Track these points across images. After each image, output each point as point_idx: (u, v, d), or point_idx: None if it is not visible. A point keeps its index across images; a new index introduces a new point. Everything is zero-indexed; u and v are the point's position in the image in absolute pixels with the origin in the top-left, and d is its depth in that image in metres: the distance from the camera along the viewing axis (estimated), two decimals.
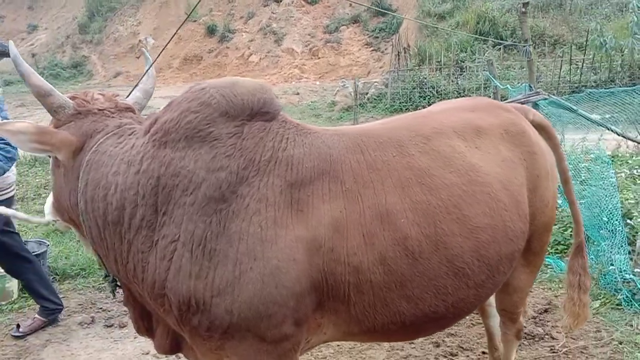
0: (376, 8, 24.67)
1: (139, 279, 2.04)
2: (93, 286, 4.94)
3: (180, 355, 3.67)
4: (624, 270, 4.14)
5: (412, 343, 3.72)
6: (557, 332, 3.79)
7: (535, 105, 5.73)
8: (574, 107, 6.42)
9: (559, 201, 4.83)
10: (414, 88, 16.38)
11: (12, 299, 4.65)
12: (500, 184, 2.26)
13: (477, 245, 2.14)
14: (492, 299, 2.96)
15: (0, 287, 4.58)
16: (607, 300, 4.05)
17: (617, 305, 4.02)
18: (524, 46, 7.46)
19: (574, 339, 3.68)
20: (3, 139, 3.74)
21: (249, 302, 1.89)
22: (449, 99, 15.14)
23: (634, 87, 7.02)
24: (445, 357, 3.57)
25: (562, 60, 15.30)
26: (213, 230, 1.91)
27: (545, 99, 6.01)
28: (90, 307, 4.54)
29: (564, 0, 20.51)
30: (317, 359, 3.60)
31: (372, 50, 26.58)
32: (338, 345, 3.70)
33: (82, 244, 5.57)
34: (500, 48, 17.77)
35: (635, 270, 4.10)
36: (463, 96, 15.36)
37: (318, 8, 30.75)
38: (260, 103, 2.06)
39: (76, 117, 2.14)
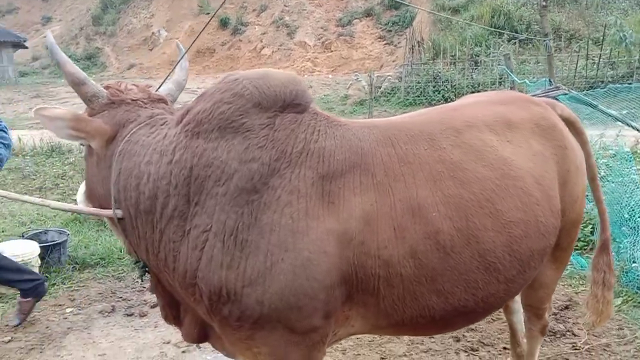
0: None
1: (170, 268, 2.05)
2: (113, 275, 4.97)
3: (201, 345, 3.71)
4: None
5: (432, 337, 3.72)
6: (578, 328, 3.76)
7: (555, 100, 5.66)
8: (595, 103, 6.36)
9: None
10: (428, 82, 16.31)
11: None
12: (532, 179, 2.24)
13: (509, 240, 2.13)
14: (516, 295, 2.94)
15: None
16: (630, 298, 4.02)
17: (639, 303, 3.98)
18: (544, 40, 7.38)
19: (596, 336, 3.65)
20: None
21: (280, 293, 1.89)
22: (463, 93, 15.20)
23: None
24: (466, 351, 3.56)
25: (578, 55, 15.14)
26: (245, 221, 1.91)
27: (566, 94, 5.94)
28: (111, 296, 4.57)
29: None
30: (336, 351, 3.60)
31: (385, 43, 26.46)
32: (357, 338, 3.70)
33: (100, 234, 5.64)
34: (515, 42, 17.63)
35: None
36: (478, 91, 15.27)
37: (331, 1, 30.66)
38: (293, 95, 2.05)
39: (109, 107, 2.15)
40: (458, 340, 3.68)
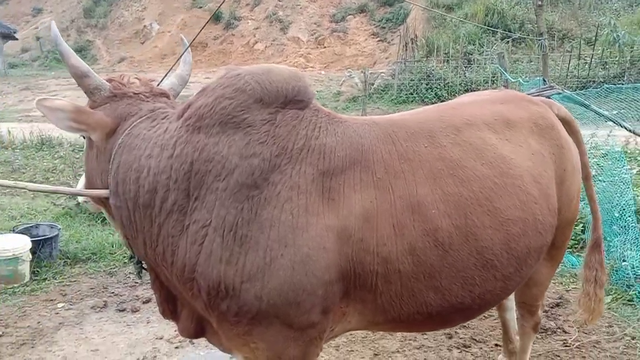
0: None
1: (168, 262, 2.04)
2: (104, 270, 4.95)
3: (194, 341, 3.71)
4: (637, 267, 4.15)
5: (425, 334, 3.74)
6: (569, 326, 3.81)
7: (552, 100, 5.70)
8: (587, 103, 6.41)
9: None
10: (421, 80, 16.33)
11: (24, 282, 4.66)
12: (531, 177, 2.26)
13: (507, 237, 2.14)
14: None
15: (13, 270, 4.58)
16: (619, 296, 4.07)
17: (629, 301, 4.03)
18: (539, 40, 7.42)
19: (586, 333, 3.69)
20: None
21: (278, 289, 1.90)
22: (456, 91, 15.24)
23: None
24: (458, 348, 3.58)
25: (570, 55, 15.24)
26: (244, 216, 1.91)
27: (559, 93, 5.97)
28: (103, 292, 4.55)
29: None
30: (330, 347, 3.61)
31: (379, 40, 26.48)
32: (351, 335, 3.71)
33: (92, 228, 5.61)
34: (508, 41, 17.69)
35: None
36: (471, 89, 15.33)
37: None
38: (295, 91, 2.05)
39: (111, 100, 2.14)
40: (450, 337, 3.70)
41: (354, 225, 1.97)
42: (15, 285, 4.60)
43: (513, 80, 8.69)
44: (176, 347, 3.66)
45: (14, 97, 20.45)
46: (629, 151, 8.14)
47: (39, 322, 4.02)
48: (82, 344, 3.73)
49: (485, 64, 16.65)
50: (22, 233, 4.94)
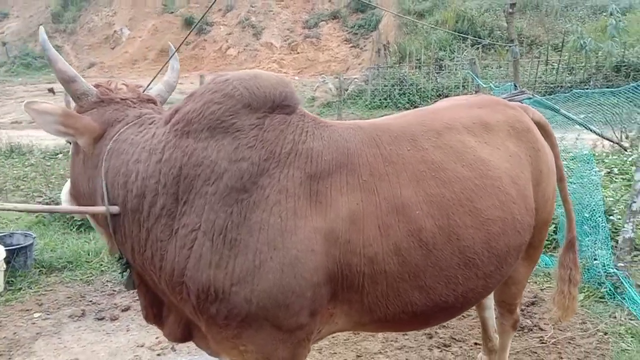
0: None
1: (156, 267, 2.05)
2: (81, 279, 4.87)
3: (176, 348, 3.69)
4: (607, 265, 4.29)
5: (406, 335, 3.80)
6: (544, 323, 3.92)
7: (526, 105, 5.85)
8: (557, 107, 6.61)
9: None
10: (394, 85, 16.51)
11: None
12: (509, 178, 2.34)
13: (487, 237, 2.21)
14: None
15: None
16: (591, 294, 4.20)
17: (600, 298, 4.16)
18: (510, 46, 7.61)
19: (561, 330, 3.80)
20: None
21: (268, 291, 1.92)
22: (428, 97, 15.46)
23: (617, 89, 7.22)
24: (439, 347, 3.65)
25: (539, 61, 15.63)
26: (234, 220, 1.93)
27: (530, 98, 6.13)
28: (80, 300, 4.49)
29: (540, 1, 20.91)
30: (313, 350, 3.63)
31: (351, 46, 26.64)
32: (333, 337, 3.75)
33: (67, 237, 5.53)
34: (478, 47, 18.06)
35: (618, 264, 4.25)
36: (443, 94, 15.59)
37: (297, 2, 30.69)
38: (282, 96, 2.09)
39: (99, 105, 2.15)
40: (431, 337, 3.77)
41: (341, 227, 2.01)
42: None
43: (484, 86, 8.89)
44: (158, 355, 3.64)
45: None
46: (596, 154, 8.39)
47: (15, 333, 3.95)
48: (61, 353, 3.68)
49: (456, 69, 16.94)
50: None
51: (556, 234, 5.14)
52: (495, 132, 2.47)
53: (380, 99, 16.51)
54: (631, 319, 3.82)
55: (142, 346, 3.75)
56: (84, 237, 5.69)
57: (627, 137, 8.60)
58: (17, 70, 29.00)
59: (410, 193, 2.12)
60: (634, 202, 4.27)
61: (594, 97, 8.46)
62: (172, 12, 31.96)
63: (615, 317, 3.87)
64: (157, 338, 3.83)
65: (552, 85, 14.80)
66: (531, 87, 14.64)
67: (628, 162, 7.31)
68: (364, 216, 2.04)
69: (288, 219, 1.95)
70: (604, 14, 18.87)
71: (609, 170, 7.07)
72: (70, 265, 5.06)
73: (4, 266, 4.60)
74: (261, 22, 30.02)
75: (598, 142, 8.55)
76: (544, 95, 10.13)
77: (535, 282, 4.60)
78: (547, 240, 5.14)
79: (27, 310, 4.30)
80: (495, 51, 18.26)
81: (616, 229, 4.92)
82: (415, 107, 15.54)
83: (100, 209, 2.06)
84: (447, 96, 15.81)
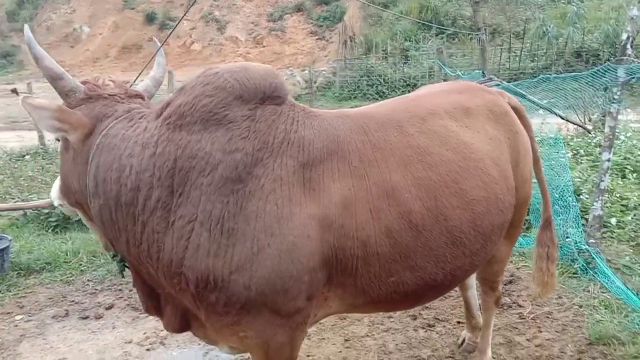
0: None
1: (153, 259, 2.07)
2: (61, 280, 4.81)
3: (166, 342, 3.71)
4: (579, 242, 4.47)
5: (391, 317, 3.90)
6: (522, 300, 4.07)
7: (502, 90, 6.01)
8: (524, 93, 6.80)
9: None
10: (362, 77, 16.66)
11: None
12: (490, 160, 2.44)
13: (473, 216, 2.31)
14: None
15: None
16: (565, 270, 4.37)
17: (573, 274, 4.34)
18: (477, 34, 7.78)
19: (538, 305, 3.96)
20: None
21: (266, 277, 1.97)
22: (396, 87, 15.61)
23: (580, 74, 7.45)
24: (423, 328, 3.76)
25: (502, 49, 15.97)
26: (230, 209, 1.97)
27: (498, 85, 6.33)
28: (62, 301, 4.43)
29: None
30: None
31: (317, 39, 26.69)
32: (320, 323, 3.81)
33: (43, 238, 5.44)
34: (442, 37, 18.33)
35: (589, 241, 4.43)
36: (410, 84, 15.80)
37: None
38: (272, 87, 2.13)
39: (87, 101, 2.14)
40: (415, 318, 3.88)
41: (334, 212, 2.07)
42: None
43: (452, 74, 9.07)
44: (147, 350, 3.64)
45: None
46: (562, 137, 8.66)
47: None
48: (47, 354, 3.64)
49: (421, 59, 17.18)
50: None
51: (528, 215, 5.31)
52: (475, 116, 2.57)
53: (348, 91, 16.64)
54: (603, 292, 4.00)
55: (130, 342, 3.74)
56: (60, 237, 5.60)
57: (590, 120, 8.90)
58: None
59: (398, 177, 2.19)
60: (602, 181, 4.46)
61: (556, 82, 8.71)
62: (133, 8, 31.39)
63: (588, 291, 4.05)
64: (144, 334, 3.84)
65: (515, 72, 15.17)
66: (495, 74, 14.94)
67: (592, 144, 7.59)
68: (356, 201, 2.11)
69: (284, 207, 2.00)
70: (562, 1, 19.43)
71: (574, 152, 7.31)
72: (49, 267, 4.98)
73: None
74: (225, 16, 29.76)
75: (563, 125, 8.81)
76: (509, 82, 10.38)
77: (512, 262, 4.76)
78: None
79: (8, 313, 4.22)
80: (459, 40, 18.58)
81: (585, 207, 5.12)
82: (383, 97, 15.78)
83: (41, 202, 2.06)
84: (414, 85, 16.05)
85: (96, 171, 2.07)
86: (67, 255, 5.16)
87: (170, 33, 4.40)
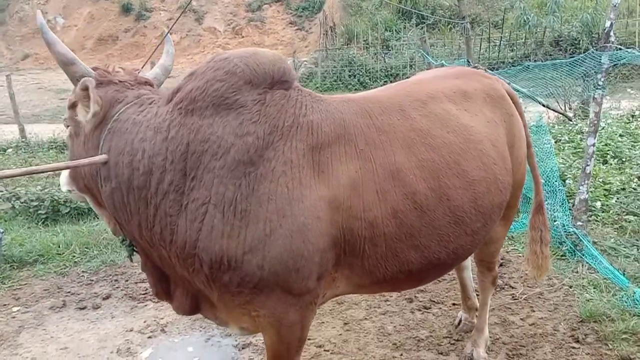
0: None
1: (166, 241, 2.11)
2: (55, 271, 4.78)
3: (167, 329, 3.73)
4: (566, 225, 4.61)
5: (388, 300, 3.99)
6: (514, 282, 4.19)
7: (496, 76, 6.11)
8: (507, 81, 6.91)
9: None
10: (344, 67, 16.68)
11: None
12: (489, 142, 2.52)
13: (474, 196, 2.39)
14: None
15: None
16: (554, 252, 4.50)
17: (562, 256, 4.48)
18: (462, 23, 7.88)
19: (530, 287, 4.08)
20: None
21: (279, 257, 2.03)
22: (378, 77, 15.65)
23: (560, 61, 7.60)
24: (420, 310, 3.86)
25: (481, 38, 16.14)
26: (243, 192, 2.02)
27: None
28: (58, 292, 4.42)
29: None
30: None
31: (297, 29, 26.57)
32: (319, 308, 3.87)
33: (33, 230, 5.41)
34: (422, 27, 18.43)
35: (577, 224, 4.57)
36: (392, 74, 15.90)
37: None
38: (281, 72, 2.17)
39: (98, 87, 2.16)
40: (411, 301, 3.97)
41: (343, 194, 2.13)
42: None
43: (436, 64, 9.16)
44: (149, 337, 3.67)
45: None
46: (543, 125, 8.83)
47: None
48: (49, 344, 3.64)
49: (402, 49, 17.26)
50: None
51: None
52: (474, 99, 2.65)
53: (330, 81, 16.65)
54: (591, 272, 4.14)
55: (131, 330, 3.76)
56: (51, 230, 5.57)
57: (570, 108, 9.09)
58: None
59: (403, 159, 2.26)
60: (587, 165, 4.60)
61: (535, 71, 8.87)
62: None
63: (577, 272, 4.19)
64: (144, 322, 3.86)
65: (494, 62, 15.35)
66: (478, 63, 15.12)
67: (574, 131, 7.77)
68: (363, 183, 2.17)
69: (294, 189, 2.05)
70: None
71: (556, 139, 7.48)
72: (42, 259, 4.96)
73: None
74: (203, 6, 29.40)
75: (544, 113, 8.98)
76: (493, 71, 10.51)
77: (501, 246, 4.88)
78: None
79: (5, 305, 4.20)
80: (439, 30, 18.70)
81: (570, 192, 5.28)
82: (366, 87, 15.86)
83: (94, 159, 2.07)
84: (396, 75, 16.15)
85: (107, 155, 2.10)
86: (59, 247, 5.14)
87: (178, 18, 4.42)
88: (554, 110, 8.19)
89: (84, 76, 2.15)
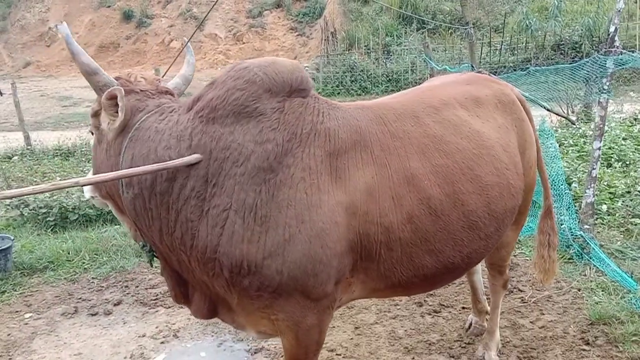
0: None
1: (187, 246, 2.15)
2: (65, 278, 4.81)
3: (179, 334, 3.76)
4: (573, 228, 4.64)
5: (398, 305, 4.02)
6: (522, 285, 4.22)
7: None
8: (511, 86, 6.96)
9: None
10: (345, 72, 16.75)
11: None
12: (501, 147, 2.56)
13: (487, 200, 2.43)
14: None
15: None
16: (561, 256, 4.53)
17: (569, 259, 4.51)
18: (465, 29, 7.93)
19: (538, 290, 4.11)
20: None
21: (298, 262, 2.07)
22: (379, 82, 15.69)
23: (562, 66, 7.65)
24: (430, 314, 3.88)
25: (482, 43, 16.21)
26: (263, 198, 2.06)
27: None
28: (69, 298, 4.45)
29: None
30: None
31: (298, 35, 26.68)
32: None
33: (42, 238, 5.44)
34: (423, 32, 18.51)
35: (584, 227, 4.60)
36: (393, 79, 15.96)
37: None
38: (299, 80, 2.22)
39: None
40: (421, 305, 4.00)
41: (359, 200, 2.17)
42: None
43: (439, 68, 9.22)
44: (161, 343, 3.69)
45: None
46: (546, 129, 8.88)
47: (10, 334, 3.90)
48: (62, 349, 3.67)
49: (403, 54, 17.34)
50: None
51: None
52: (485, 105, 2.69)
53: (332, 86, 16.72)
54: (599, 275, 4.17)
55: (143, 336, 3.79)
56: (60, 236, 5.60)
57: (573, 112, 9.14)
58: None
59: (417, 165, 2.30)
60: (593, 169, 4.63)
61: (536, 75, 8.92)
62: (109, 6, 30.94)
63: (585, 275, 4.22)
64: (156, 327, 3.89)
65: (495, 66, 15.41)
66: (481, 68, 15.18)
67: (577, 135, 7.81)
68: (379, 188, 2.21)
69: (313, 194, 2.09)
70: None
71: (560, 143, 7.52)
72: (52, 265, 4.99)
73: None
74: (203, 12, 29.50)
75: (547, 117, 9.03)
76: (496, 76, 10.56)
77: None
78: None
79: (17, 311, 4.24)
80: (440, 35, 18.79)
81: (576, 195, 5.31)
82: (367, 93, 15.92)
83: (186, 159, 2.07)
84: (398, 81, 16.22)
85: (131, 162, 2.14)
86: (68, 254, 5.17)
87: (195, 30, 4.44)
88: (556, 114, 8.23)
89: (108, 85, 2.19)
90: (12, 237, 5.01)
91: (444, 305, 4.00)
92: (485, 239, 2.50)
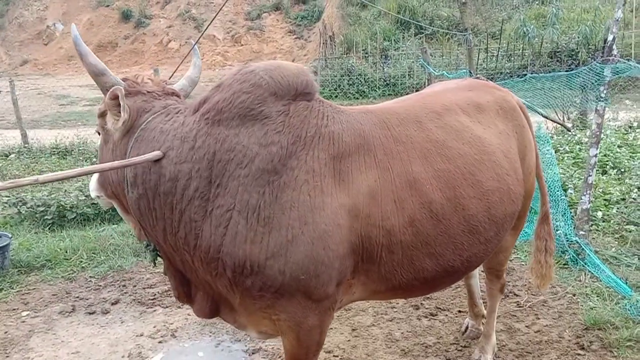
0: None
1: (190, 245, 2.18)
2: (62, 276, 4.82)
3: (177, 334, 3.78)
4: (569, 234, 4.69)
5: (395, 307, 4.05)
6: (518, 290, 4.26)
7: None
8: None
9: None
10: (343, 76, 16.80)
11: None
12: (501, 153, 2.60)
13: (488, 205, 2.47)
14: None
15: None
16: (556, 262, 4.57)
17: (564, 264, 4.56)
18: (464, 35, 7.99)
19: (534, 295, 4.15)
20: None
21: (300, 263, 2.09)
22: (377, 86, 15.74)
23: (558, 74, 7.71)
24: (426, 317, 3.92)
25: (479, 49, 16.30)
26: (266, 199, 2.09)
27: None
28: (67, 297, 4.46)
29: None
30: None
31: (296, 37, 26.74)
32: None
33: (40, 236, 5.44)
34: (420, 37, 18.60)
35: (579, 233, 4.65)
36: (390, 84, 16.02)
37: None
38: (304, 84, 2.25)
39: (126, 97, 2.22)
40: (417, 308, 4.03)
41: (362, 202, 2.20)
42: None
43: (437, 74, 9.27)
44: (159, 342, 3.71)
45: None
46: (542, 136, 8.94)
47: (7, 332, 3.90)
48: (60, 348, 3.68)
49: (401, 59, 17.41)
50: None
51: None
52: (486, 112, 2.73)
53: (330, 90, 16.74)
54: (594, 281, 4.22)
55: (141, 335, 3.80)
56: (57, 235, 5.60)
57: (569, 119, 9.21)
58: None
59: (420, 169, 2.33)
60: (590, 175, 4.68)
61: (532, 82, 8.99)
62: (107, 6, 30.91)
63: (580, 280, 4.26)
64: (154, 327, 3.90)
65: (492, 72, 15.50)
66: (479, 74, 15.27)
67: (573, 142, 7.87)
68: (381, 192, 2.24)
69: (316, 197, 2.12)
70: (536, 2, 19.94)
71: (556, 149, 7.57)
72: (49, 264, 4.99)
73: None
74: (202, 14, 29.54)
75: (543, 124, 9.09)
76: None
77: None
78: None
79: (14, 309, 4.24)
80: (437, 40, 18.88)
81: (572, 202, 5.36)
82: (364, 97, 15.96)
83: (148, 156, 2.11)
84: (395, 85, 16.29)
85: None
86: (66, 252, 5.17)
87: (204, 32, 4.52)
88: (552, 120, 8.30)
89: (114, 86, 2.22)
90: (10, 235, 5.01)
91: (440, 308, 4.03)
92: (485, 243, 2.53)
